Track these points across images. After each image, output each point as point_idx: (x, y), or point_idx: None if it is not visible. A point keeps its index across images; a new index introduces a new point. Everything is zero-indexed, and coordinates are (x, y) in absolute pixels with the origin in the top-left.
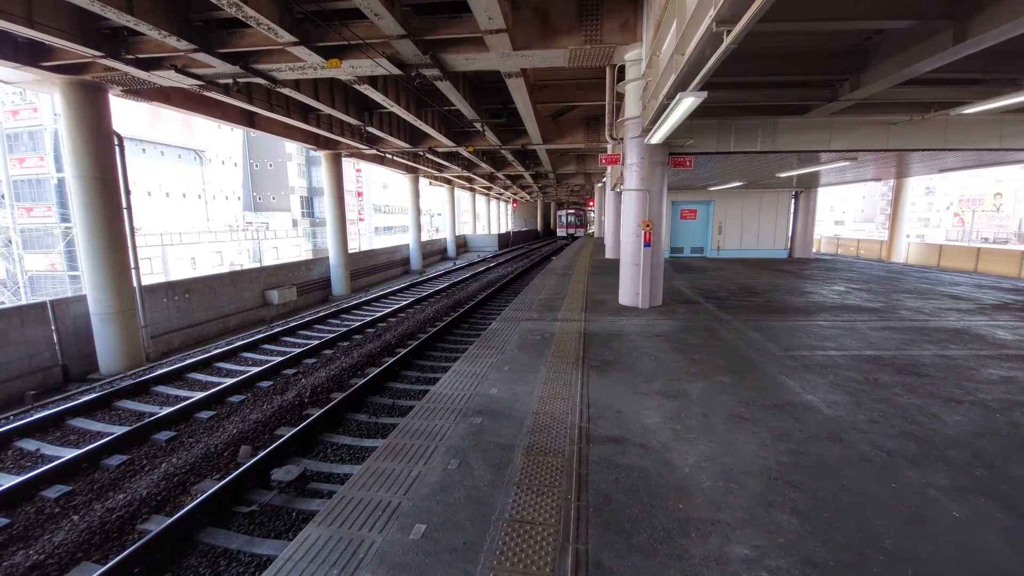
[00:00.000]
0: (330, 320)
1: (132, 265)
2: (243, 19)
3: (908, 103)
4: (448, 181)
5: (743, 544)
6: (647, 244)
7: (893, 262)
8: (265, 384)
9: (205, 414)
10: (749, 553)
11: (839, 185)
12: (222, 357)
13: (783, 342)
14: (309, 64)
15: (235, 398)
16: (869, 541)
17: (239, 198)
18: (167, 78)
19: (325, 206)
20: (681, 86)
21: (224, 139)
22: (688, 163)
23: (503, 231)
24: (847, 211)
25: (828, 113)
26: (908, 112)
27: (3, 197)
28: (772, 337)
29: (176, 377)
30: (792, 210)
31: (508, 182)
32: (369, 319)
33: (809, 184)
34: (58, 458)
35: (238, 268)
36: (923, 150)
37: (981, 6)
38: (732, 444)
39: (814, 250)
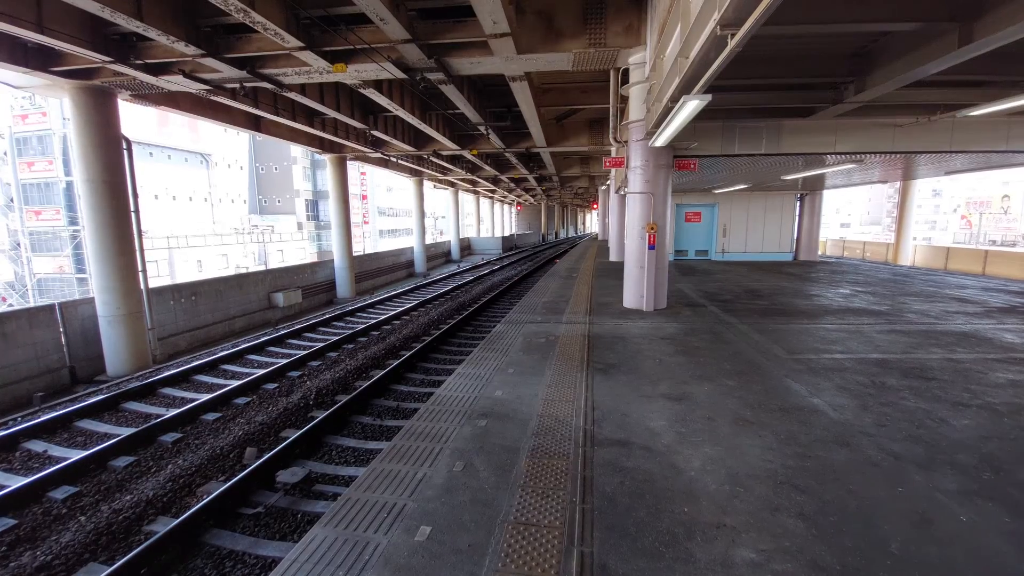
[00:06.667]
0: (335, 323)
1: (140, 268)
2: (250, 24)
3: (914, 105)
4: (452, 184)
5: (749, 548)
6: (651, 247)
7: (900, 264)
8: (271, 386)
9: (211, 416)
10: (755, 557)
11: (845, 187)
12: (228, 359)
13: (789, 345)
14: (315, 68)
15: (241, 400)
16: (876, 545)
17: (245, 201)
18: (175, 83)
19: (330, 209)
20: (685, 89)
21: (230, 143)
22: (692, 166)
23: (507, 234)
24: (853, 213)
25: (833, 115)
26: (914, 114)
27: (12, 200)
28: (777, 340)
29: (182, 379)
30: (797, 212)
31: (512, 185)
32: (374, 322)
33: (814, 186)
34: (65, 459)
35: (244, 271)
36: (929, 152)
37: (986, 8)
38: (738, 447)
39: (819, 253)
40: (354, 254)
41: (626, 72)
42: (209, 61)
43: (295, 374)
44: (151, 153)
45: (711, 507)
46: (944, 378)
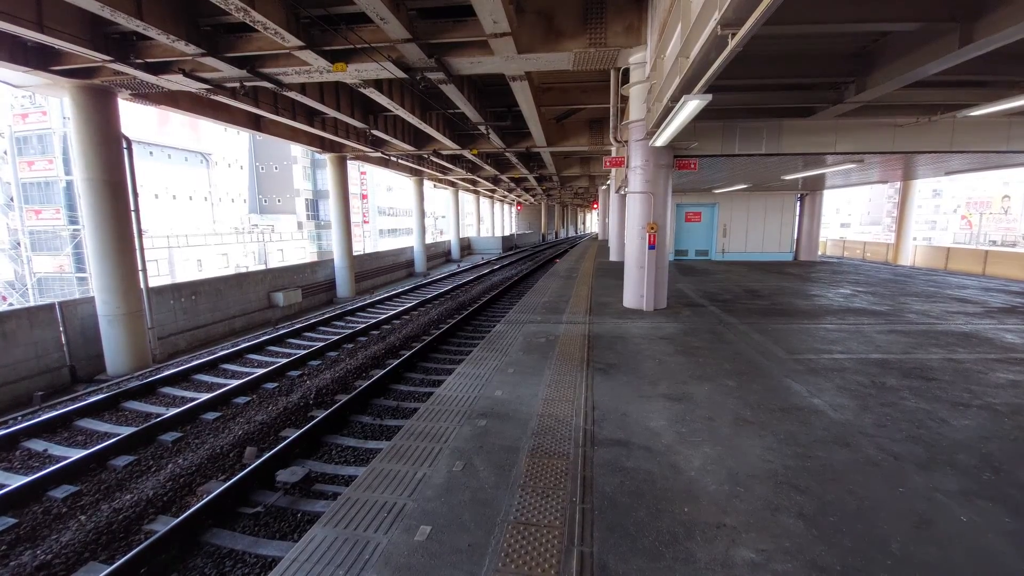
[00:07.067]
0: (335, 322)
1: (140, 267)
2: (250, 23)
3: (914, 105)
4: (452, 184)
5: (749, 548)
6: (652, 246)
7: (900, 265)
8: (270, 386)
9: (211, 415)
10: (755, 557)
11: (845, 188)
12: (228, 359)
13: (789, 345)
14: (315, 68)
15: (241, 399)
16: (876, 546)
17: (245, 200)
18: (175, 82)
19: (330, 209)
20: (686, 89)
21: (230, 142)
22: (693, 166)
23: (507, 233)
24: (853, 213)
25: (833, 115)
26: (914, 114)
27: (12, 199)
28: (778, 340)
29: (182, 378)
30: (797, 212)
31: (512, 184)
32: (373, 321)
33: (814, 186)
34: (65, 458)
35: (244, 270)
36: (929, 152)
37: (986, 8)
38: (738, 447)
39: (820, 253)
40: (354, 253)
41: (626, 72)
42: (209, 60)
43: (295, 373)
44: (151, 152)
45: (711, 507)
46: (944, 378)
